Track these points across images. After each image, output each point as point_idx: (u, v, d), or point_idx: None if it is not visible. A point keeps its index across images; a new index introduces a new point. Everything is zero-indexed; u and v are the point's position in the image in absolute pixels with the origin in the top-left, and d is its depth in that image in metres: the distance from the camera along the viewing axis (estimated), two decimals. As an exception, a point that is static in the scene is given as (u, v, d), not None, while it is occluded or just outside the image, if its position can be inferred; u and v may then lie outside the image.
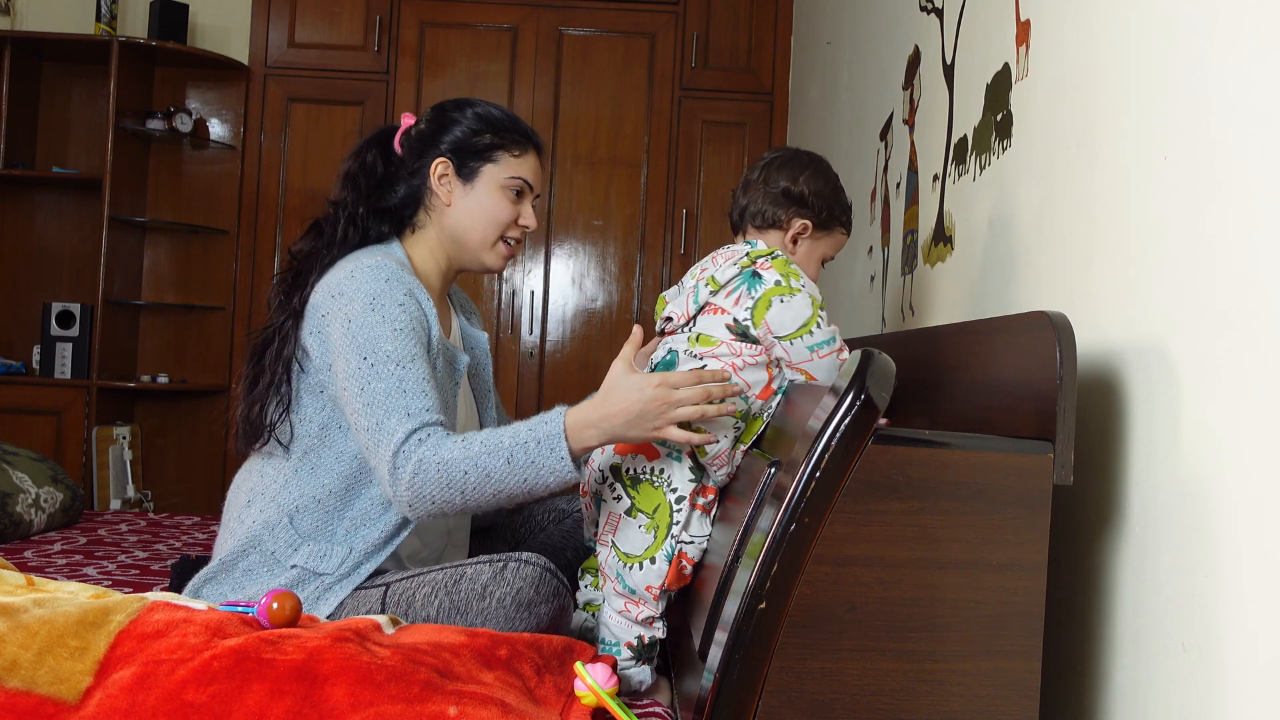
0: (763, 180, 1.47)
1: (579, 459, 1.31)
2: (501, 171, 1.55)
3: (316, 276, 1.48)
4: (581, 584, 1.52)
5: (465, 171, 1.54)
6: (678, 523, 1.34)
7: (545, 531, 1.79)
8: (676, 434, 1.26)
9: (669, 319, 1.43)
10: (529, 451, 1.29)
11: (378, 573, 1.46)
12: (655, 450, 1.36)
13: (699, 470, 1.36)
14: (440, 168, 1.53)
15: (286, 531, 1.44)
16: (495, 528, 1.83)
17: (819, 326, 1.33)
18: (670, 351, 1.41)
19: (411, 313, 1.41)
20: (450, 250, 1.58)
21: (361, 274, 1.41)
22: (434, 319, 1.46)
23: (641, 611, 1.35)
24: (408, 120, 1.60)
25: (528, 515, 1.84)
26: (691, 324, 1.40)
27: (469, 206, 1.54)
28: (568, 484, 1.31)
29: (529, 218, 1.58)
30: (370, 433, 1.35)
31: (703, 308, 1.39)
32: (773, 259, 1.37)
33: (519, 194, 1.57)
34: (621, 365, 1.30)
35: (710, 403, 1.27)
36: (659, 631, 1.37)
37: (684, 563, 1.35)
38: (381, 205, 1.55)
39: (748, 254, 1.38)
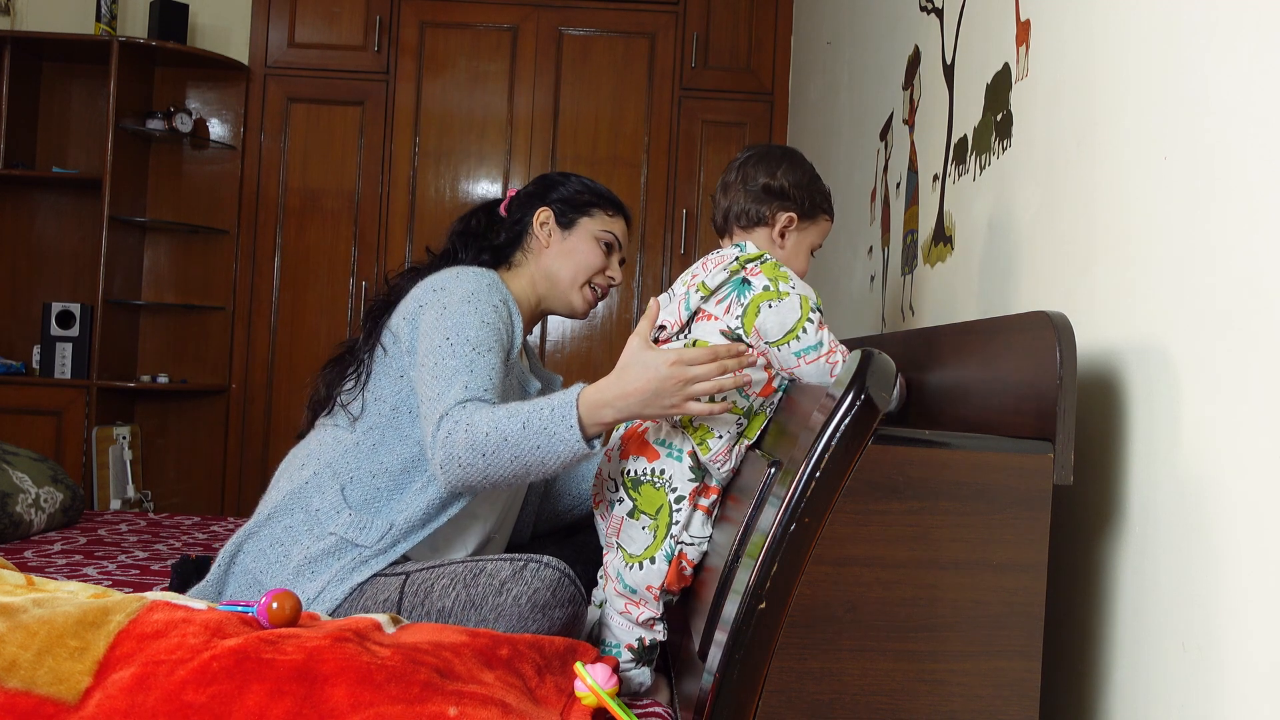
0: (741, 180, 1.47)
1: (592, 435, 1.32)
2: (596, 225, 1.71)
3: (411, 283, 1.60)
4: (601, 582, 1.52)
5: (564, 220, 1.70)
6: (677, 522, 1.34)
7: (570, 540, 1.82)
8: (695, 408, 1.27)
9: (662, 327, 1.42)
10: (542, 418, 1.32)
11: (403, 559, 1.48)
12: (655, 451, 1.36)
13: (700, 470, 1.35)
14: (544, 215, 1.70)
15: (335, 496, 1.49)
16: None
17: (805, 331, 1.32)
18: None
19: (502, 316, 1.53)
20: (542, 288, 1.71)
21: (466, 275, 1.55)
22: (520, 334, 1.57)
23: (642, 612, 1.35)
24: (513, 191, 1.78)
25: (554, 524, 1.89)
26: (686, 331, 1.39)
27: (565, 249, 1.70)
28: (578, 457, 1.32)
29: (616, 271, 1.74)
30: (429, 402, 1.42)
31: (695, 314, 1.38)
32: (762, 263, 1.35)
33: (609, 248, 1.72)
34: (637, 341, 1.31)
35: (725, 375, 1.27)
36: (659, 634, 1.37)
37: (684, 564, 1.35)
38: (484, 244, 1.72)
39: (737, 258, 1.37)
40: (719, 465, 1.35)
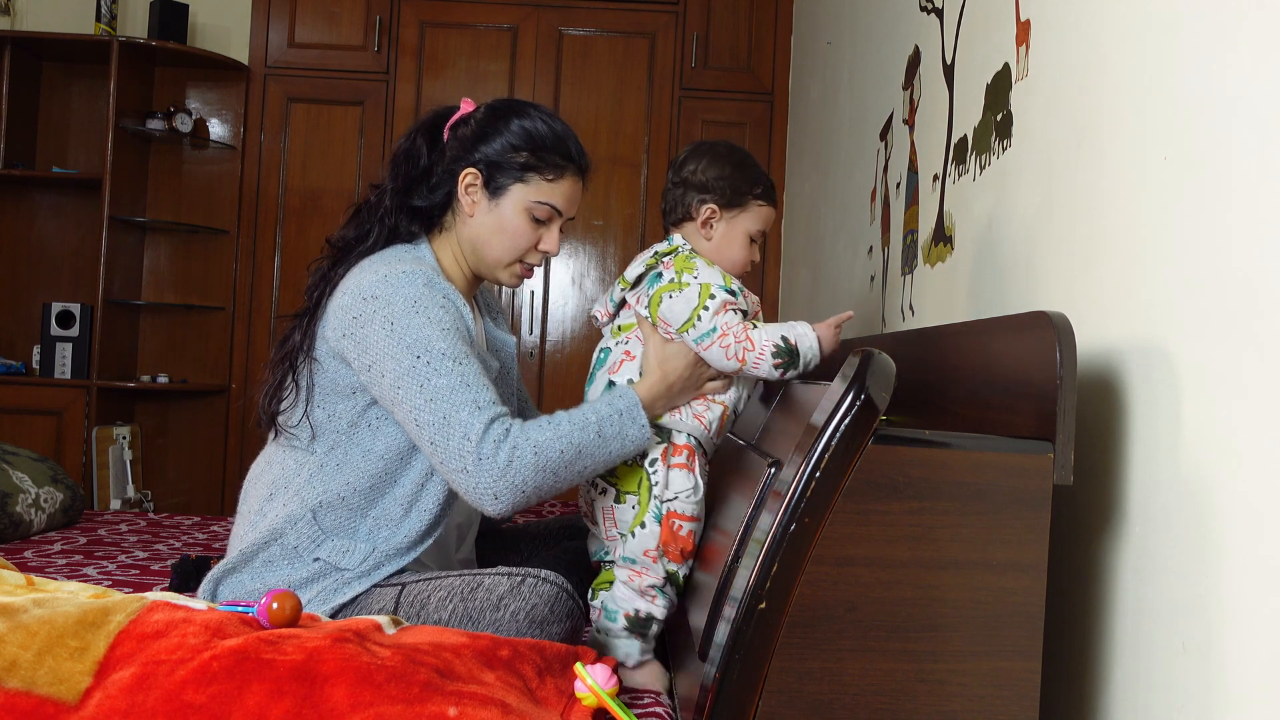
0: (671, 180, 1.53)
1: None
2: (530, 194, 1.50)
3: (345, 270, 1.47)
4: (594, 604, 1.49)
5: (493, 187, 1.50)
6: (656, 483, 1.40)
7: (561, 546, 1.79)
8: (710, 386, 1.46)
9: (595, 316, 1.56)
10: (615, 424, 1.37)
11: (395, 572, 1.47)
12: None
13: (662, 430, 1.44)
14: (469, 178, 1.50)
15: (309, 526, 1.44)
16: (504, 534, 1.83)
17: (700, 319, 1.40)
18: (603, 350, 1.51)
19: (453, 314, 1.41)
20: (471, 260, 1.56)
21: (396, 279, 1.40)
22: (471, 324, 1.46)
23: (645, 579, 1.38)
24: (466, 107, 1.57)
25: (543, 526, 1.85)
26: (614, 319, 1.53)
27: (489, 223, 1.51)
28: (641, 450, 1.41)
29: (550, 243, 1.53)
30: (437, 427, 1.34)
31: (621, 304, 1.52)
32: (675, 256, 1.46)
33: (545, 219, 1.52)
34: (657, 338, 1.44)
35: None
36: (659, 610, 1.39)
37: (676, 522, 1.38)
38: (416, 203, 1.53)
39: (656, 252, 1.48)
40: (681, 419, 1.45)
